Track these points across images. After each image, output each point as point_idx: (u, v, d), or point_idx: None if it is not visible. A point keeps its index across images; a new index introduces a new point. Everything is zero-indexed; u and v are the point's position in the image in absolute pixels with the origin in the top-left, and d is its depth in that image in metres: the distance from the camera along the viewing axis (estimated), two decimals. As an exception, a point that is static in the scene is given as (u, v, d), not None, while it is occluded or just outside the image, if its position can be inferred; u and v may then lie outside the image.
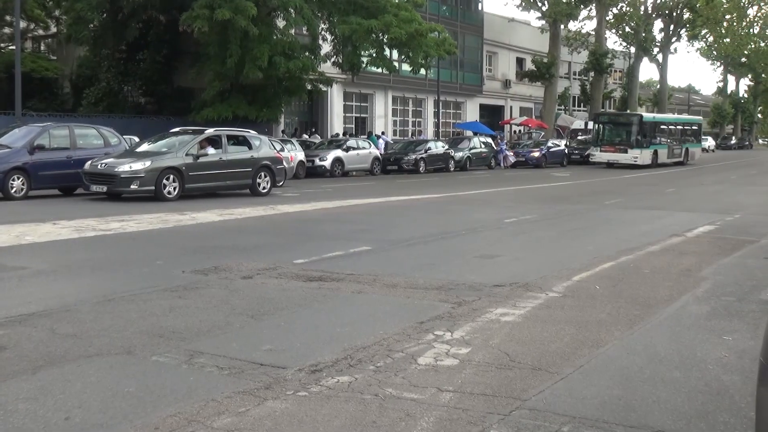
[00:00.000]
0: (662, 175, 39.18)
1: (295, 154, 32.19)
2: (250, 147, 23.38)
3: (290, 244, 12.76)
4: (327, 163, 34.18)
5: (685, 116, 65.87)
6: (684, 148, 50.88)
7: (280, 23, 34.62)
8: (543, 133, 55.68)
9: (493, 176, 36.93)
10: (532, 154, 46.17)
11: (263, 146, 23.93)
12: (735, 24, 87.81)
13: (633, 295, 8.73)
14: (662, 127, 49.19)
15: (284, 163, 27.16)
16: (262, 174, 23.29)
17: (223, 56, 31.63)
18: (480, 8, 60.54)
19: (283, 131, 41.49)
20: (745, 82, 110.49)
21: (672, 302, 8.41)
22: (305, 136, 41.66)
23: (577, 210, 19.45)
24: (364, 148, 37.41)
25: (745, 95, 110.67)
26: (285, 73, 32.82)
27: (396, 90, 51.65)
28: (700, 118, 62.98)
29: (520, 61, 66.46)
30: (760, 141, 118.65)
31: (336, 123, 46.95)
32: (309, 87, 37.17)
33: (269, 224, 15.74)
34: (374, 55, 36.34)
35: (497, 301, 8.24)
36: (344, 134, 43.34)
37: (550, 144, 48.20)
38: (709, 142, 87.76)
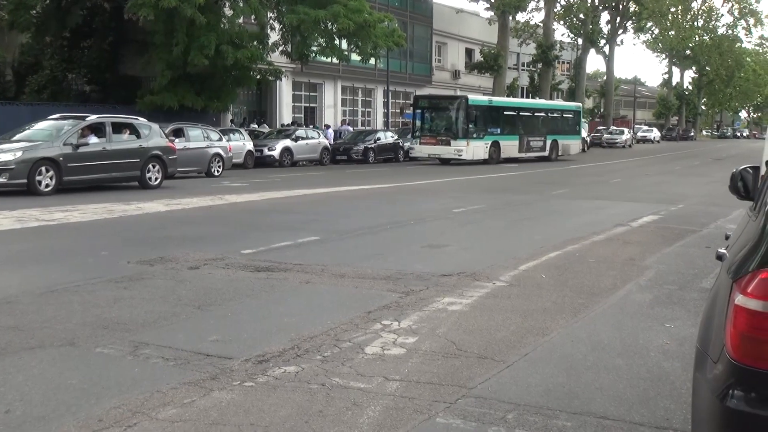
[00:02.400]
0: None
1: (243, 143, 31.98)
2: (138, 136, 21.82)
3: (238, 235, 12.67)
4: (276, 153, 34.00)
5: (554, 102, 56.59)
6: (550, 140, 43.17)
7: (228, 12, 34.28)
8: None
9: (441, 167, 37.03)
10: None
11: (153, 135, 22.34)
12: (680, 17, 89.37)
13: (578, 284, 8.84)
14: (508, 113, 41.17)
15: (224, 153, 28.05)
16: (152, 165, 21.86)
17: (170, 45, 31.22)
18: (429, -2, 60.67)
19: (231, 121, 41.17)
20: (690, 74, 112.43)
21: (616, 291, 8.54)
22: (254, 126, 41.42)
23: (524, 200, 19.62)
24: (312, 138, 37.30)
25: (690, 87, 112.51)
26: (233, 62, 32.51)
27: (345, 80, 51.53)
28: (579, 104, 51.36)
29: (469, 52, 66.72)
30: (704, 132, 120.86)
31: (285, 113, 46.70)
32: (258, 77, 36.89)
33: (216, 214, 15.61)
34: (324, 44, 36.21)
35: (444, 291, 8.28)
36: (293, 124, 43.22)
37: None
38: (655, 133, 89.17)
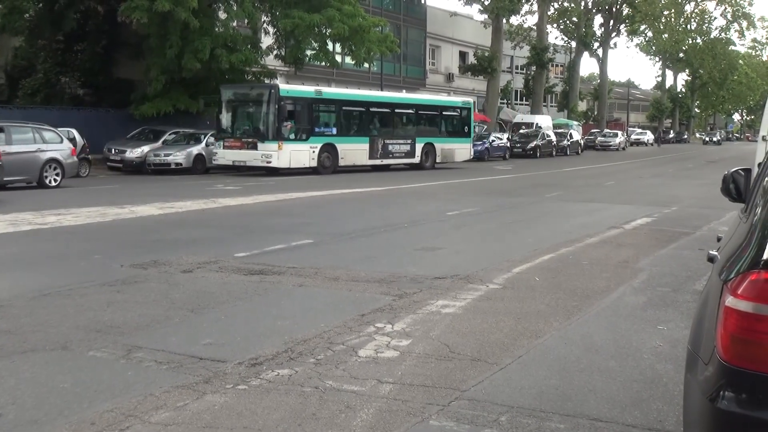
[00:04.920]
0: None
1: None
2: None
3: (231, 238, 12.66)
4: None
5: (427, 96, 44.92)
6: (422, 143, 35.61)
7: (222, 15, 34.28)
8: (486, 127, 55.98)
9: (435, 169, 37.03)
10: (474, 147, 46.37)
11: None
12: (673, 20, 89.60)
13: (571, 286, 8.85)
14: (350, 109, 33.15)
15: (64, 158, 22.92)
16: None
17: (164, 48, 31.20)
18: (423, 2, 60.65)
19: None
20: (683, 77, 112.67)
21: (609, 293, 8.55)
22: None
23: (518, 203, 19.64)
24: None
25: (683, 90, 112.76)
26: (227, 66, 32.50)
27: (339, 83, 51.41)
28: (467, 100, 41.12)
29: (463, 55, 66.80)
30: (698, 135, 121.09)
31: (279, 116, 46.54)
32: (252, 80, 36.88)
33: (210, 218, 15.59)
34: (317, 49, 36.22)
35: (438, 294, 8.29)
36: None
37: (492, 138, 48.51)
38: (648, 136, 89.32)
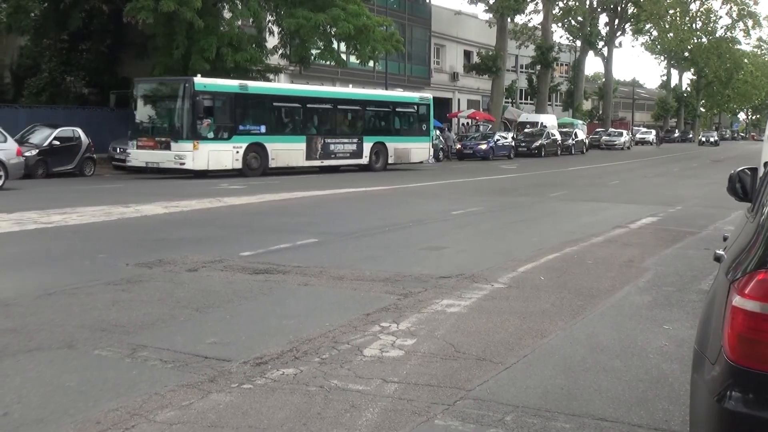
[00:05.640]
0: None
1: None
2: None
3: (236, 237, 12.67)
4: None
5: (376, 91, 39.12)
6: (371, 143, 33.30)
7: (227, 15, 34.29)
8: (490, 126, 56.02)
9: (440, 168, 37.04)
10: (479, 146, 46.39)
11: None
12: (678, 19, 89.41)
13: (576, 285, 8.84)
14: (282, 105, 30.82)
15: (7, 158, 21.24)
16: None
17: (170, 48, 31.23)
18: (428, 1, 60.57)
19: None
20: (688, 76, 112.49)
21: (614, 293, 8.53)
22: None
23: (522, 202, 19.62)
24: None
25: (688, 89, 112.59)
26: (232, 65, 32.51)
27: (344, 82, 51.28)
28: (426, 96, 38.37)
29: (467, 54, 66.73)
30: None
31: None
32: (257, 78, 36.90)
33: (215, 217, 15.60)
34: (322, 48, 36.21)
35: (443, 293, 8.28)
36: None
37: (497, 137, 48.49)
38: (653, 135, 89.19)
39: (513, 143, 49.53)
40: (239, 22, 34.58)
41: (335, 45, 36.84)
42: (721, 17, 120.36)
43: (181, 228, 13.74)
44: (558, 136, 54.47)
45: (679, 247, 12.12)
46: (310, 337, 6.43)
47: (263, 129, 29.26)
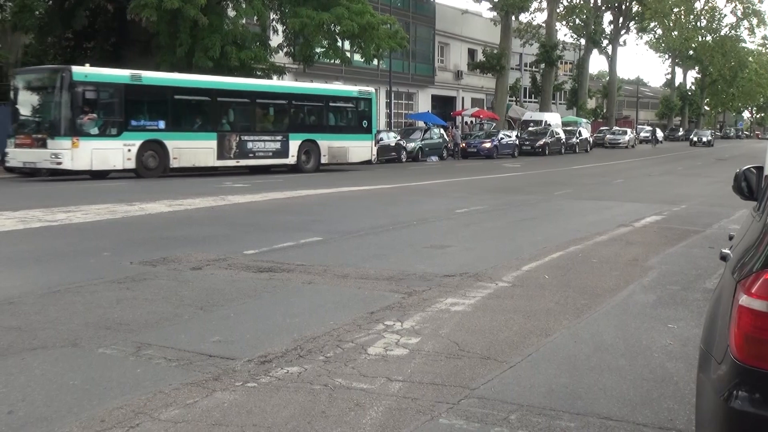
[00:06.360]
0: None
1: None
2: None
3: (240, 235, 12.67)
4: None
5: (311, 85, 36.02)
6: (300, 141, 30.69)
7: (231, 13, 34.33)
8: (494, 125, 56.03)
9: (444, 167, 37.05)
10: (483, 145, 46.39)
11: None
12: (682, 17, 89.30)
13: (581, 284, 8.83)
14: (185, 98, 27.75)
15: None
16: None
17: (174, 46, 31.27)
18: (432, -1, 60.70)
19: None
20: (693, 75, 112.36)
21: (619, 291, 8.52)
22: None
23: (527, 200, 19.60)
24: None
25: (693, 87, 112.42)
26: (237, 63, 32.53)
27: (348, 80, 51.30)
28: (368, 90, 35.13)
29: (471, 53, 66.71)
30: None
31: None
32: (261, 77, 36.95)
33: (219, 215, 15.61)
34: (327, 46, 36.21)
35: (447, 291, 8.27)
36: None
37: (501, 135, 48.49)
38: (657, 134, 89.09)
39: (517, 142, 49.52)
40: (243, 21, 34.62)
41: (339, 43, 36.84)
42: (725, 15, 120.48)
43: (185, 226, 13.75)
44: (562, 135, 54.47)
45: (683, 246, 12.10)
46: (314, 336, 6.43)
47: (162, 124, 26.60)
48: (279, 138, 30.20)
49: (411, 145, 41.69)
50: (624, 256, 10.97)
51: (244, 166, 29.56)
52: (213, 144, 27.92)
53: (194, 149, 27.25)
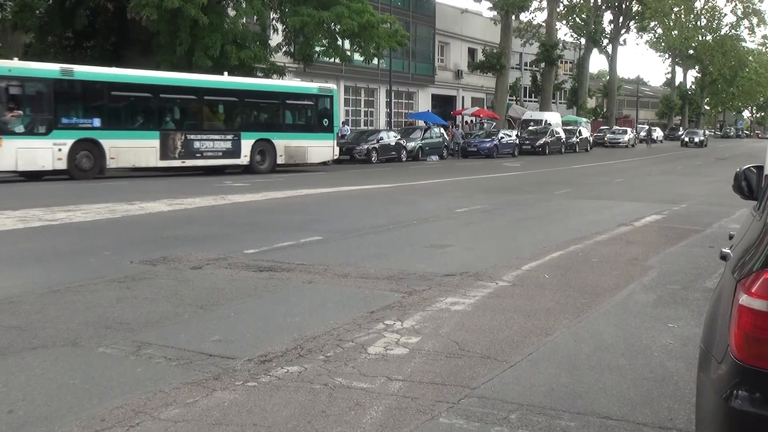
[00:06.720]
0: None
1: None
2: None
3: (240, 234, 12.67)
4: None
5: (265, 81, 33.35)
6: (254, 140, 29.22)
7: (231, 12, 34.35)
8: (494, 124, 56.04)
9: (444, 166, 37.05)
10: (483, 144, 46.38)
11: None
12: (683, 17, 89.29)
13: (581, 283, 8.83)
14: (120, 94, 26.09)
15: None
16: None
17: (174, 45, 31.27)
18: (432, -2, 60.71)
19: None
20: (693, 74, 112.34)
21: (619, 291, 8.52)
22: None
23: (527, 200, 19.60)
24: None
25: (693, 87, 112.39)
26: (236, 62, 32.53)
27: (348, 80, 51.52)
28: (329, 87, 33.24)
29: (472, 52, 66.70)
30: (707, 132, 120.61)
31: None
32: (261, 76, 36.97)
33: (219, 214, 15.61)
34: (327, 45, 36.21)
35: (447, 291, 8.27)
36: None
37: (501, 134, 48.48)
38: (658, 133, 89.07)
39: (517, 141, 49.51)
40: (243, 20, 34.62)
41: (339, 42, 36.84)
42: (725, 15, 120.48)
43: (185, 225, 13.75)
44: (562, 134, 54.44)
45: (684, 245, 12.10)
46: (314, 335, 6.43)
47: (97, 122, 25.04)
48: (230, 137, 28.79)
49: (411, 145, 41.71)
50: (624, 255, 10.97)
51: (194, 167, 28.17)
52: (155, 143, 26.45)
53: (134, 149, 25.81)
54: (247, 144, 29.00)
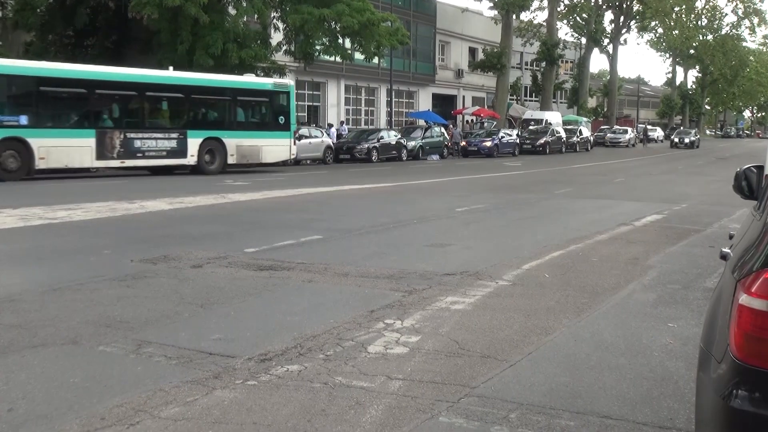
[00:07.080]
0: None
1: None
2: None
3: (241, 233, 12.67)
4: None
5: (214, 77, 29.43)
6: (202, 138, 27.55)
7: (232, 11, 34.37)
8: (495, 123, 56.02)
9: (445, 165, 37.04)
10: (484, 143, 46.37)
11: None
12: (683, 16, 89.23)
13: (581, 283, 8.83)
14: (50, 90, 24.11)
15: None
16: None
17: (175, 44, 31.28)
18: (432, -3, 60.70)
19: None
20: (693, 74, 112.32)
21: (619, 290, 8.52)
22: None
23: (527, 199, 19.59)
24: (316, 136, 37.34)
25: (693, 87, 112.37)
26: (237, 61, 32.54)
27: (349, 79, 51.53)
28: (284, 83, 31.94)
29: (472, 51, 66.71)
30: (707, 132, 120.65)
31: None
32: (262, 75, 36.99)
33: (220, 213, 15.61)
34: (327, 43, 36.22)
35: (447, 290, 8.27)
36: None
37: (502, 134, 48.47)
38: (658, 133, 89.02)
39: (517, 140, 49.51)
40: (244, 19, 34.64)
41: (340, 40, 36.85)
42: (726, 15, 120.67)
43: (185, 224, 13.75)
44: (563, 134, 54.46)
45: (684, 245, 12.09)
46: (314, 334, 6.43)
47: (24, 120, 23.22)
48: (174, 135, 27.00)
49: (412, 144, 41.72)
50: (624, 254, 10.97)
51: (135, 167, 26.63)
52: (91, 142, 24.60)
53: (67, 148, 23.94)
54: (194, 143, 27.38)
